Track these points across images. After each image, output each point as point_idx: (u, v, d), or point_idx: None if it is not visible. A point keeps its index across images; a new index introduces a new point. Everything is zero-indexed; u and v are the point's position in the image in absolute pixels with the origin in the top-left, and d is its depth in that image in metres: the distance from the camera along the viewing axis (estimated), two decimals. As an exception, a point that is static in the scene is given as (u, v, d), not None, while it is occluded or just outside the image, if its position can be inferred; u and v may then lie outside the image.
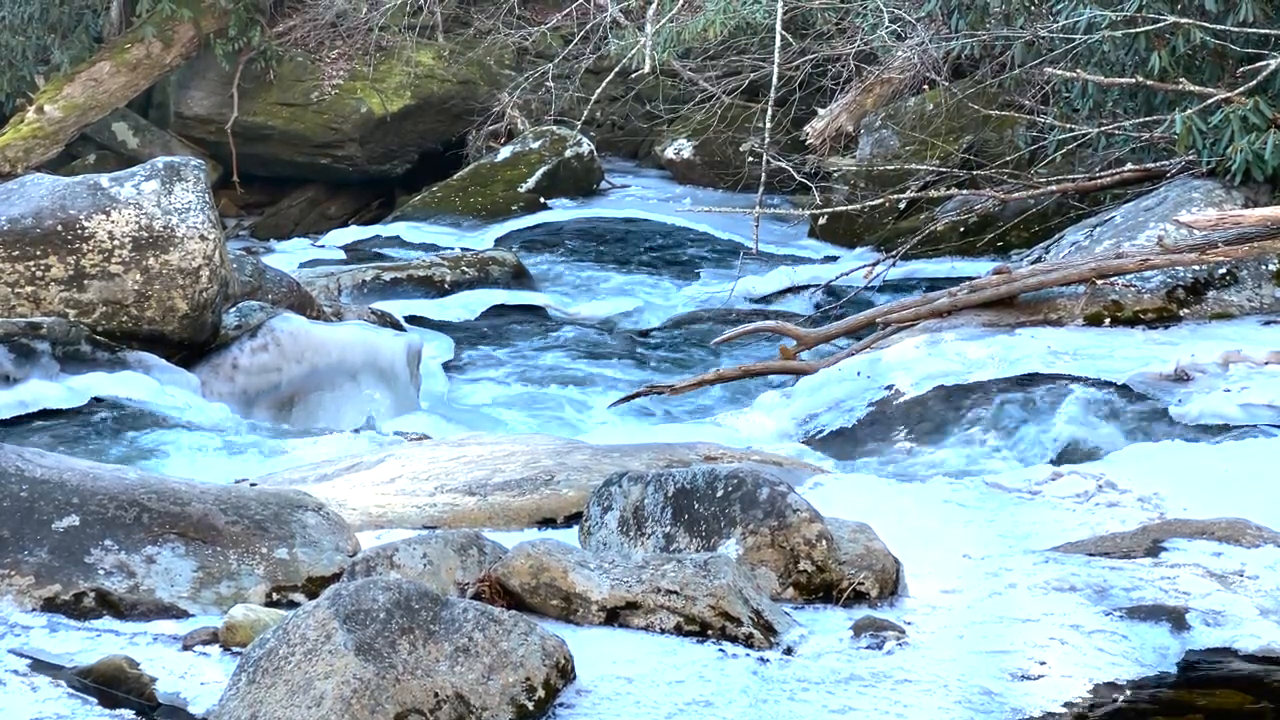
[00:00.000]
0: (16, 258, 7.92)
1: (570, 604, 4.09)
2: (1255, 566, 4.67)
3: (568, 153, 15.54)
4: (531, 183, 15.23)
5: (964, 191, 11.38)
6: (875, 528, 4.64)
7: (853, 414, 7.82)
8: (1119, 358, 7.67)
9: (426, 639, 3.56)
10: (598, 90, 15.61)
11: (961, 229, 12.12)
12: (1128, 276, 8.29)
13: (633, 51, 14.88)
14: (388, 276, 11.94)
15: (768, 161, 12.96)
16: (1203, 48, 9.54)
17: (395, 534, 5.01)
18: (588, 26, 16.30)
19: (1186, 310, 8.31)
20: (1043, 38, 11.26)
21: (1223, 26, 9.36)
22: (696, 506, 4.52)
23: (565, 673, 3.71)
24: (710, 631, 4.03)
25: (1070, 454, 6.92)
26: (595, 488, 4.88)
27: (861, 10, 14.32)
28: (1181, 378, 7.25)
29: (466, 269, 12.20)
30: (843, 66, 14.75)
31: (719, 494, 4.50)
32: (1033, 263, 9.18)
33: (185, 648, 4.02)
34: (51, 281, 7.94)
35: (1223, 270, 8.39)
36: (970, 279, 9.08)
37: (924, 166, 12.53)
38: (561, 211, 14.86)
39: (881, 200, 11.52)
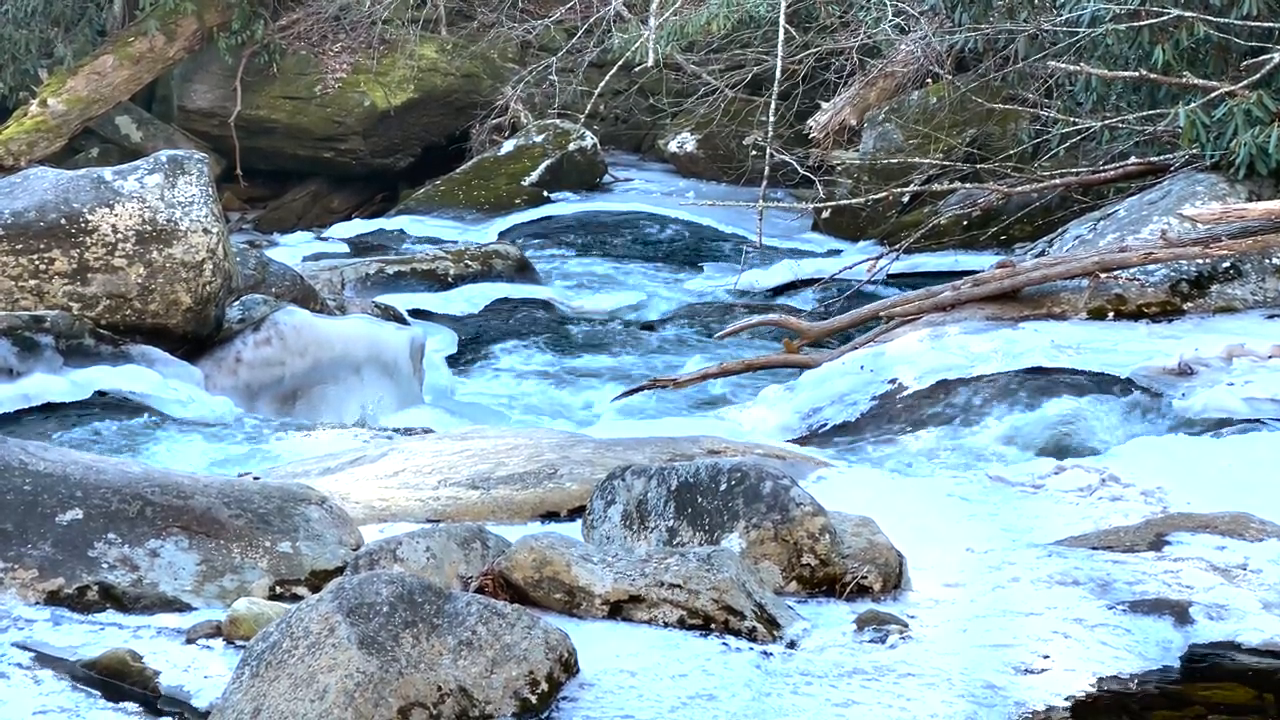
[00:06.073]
0: (20, 251, 7.91)
1: (573, 598, 4.09)
2: (1259, 560, 4.68)
3: (571, 146, 15.53)
4: (535, 176, 15.22)
5: (967, 185, 11.38)
6: (878, 521, 4.64)
7: (856, 408, 7.81)
8: (1122, 351, 7.66)
9: (430, 633, 3.56)
10: (601, 84, 15.60)
11: (965, 223, 12.11)
12: (1131, 270, 8.28)
13: (636, 45, 14.87)
14: (391, 270, 11.93)
15: (771, 155, 12.94)
16: (1206, 41, 9.53)
17: (398, 528, 5.01)
18: (591, 20, 16.28)
19: (1190, 304, 8.30)
20: (1046, 31, 11.25)
21: (1226, 20, 9.36)
22: (700, 500, 4.53)
23: (568, 666, 3.71)
24: (713, 625, 4.03)
25: (1073, 448, 6.91)
26: (598, 481, 4.88)
27: (865, 4, 14.32)
28: (1185, 372, 7.24)
29: (470, 263, 12.19)
30: (846, 60, 14.74)
31: (722, 488, 4.50)
32: (1036, 257, 9.17)
33: (189, 641, 4.03)
34: (55, 275, 7.94)
35: (1226, 264, 8.37)
36: (973, 273, 9.07)
37: (927, 160, 12.52)
38: (565, 205, 14.85)
39: (885, 194, 11.51)
